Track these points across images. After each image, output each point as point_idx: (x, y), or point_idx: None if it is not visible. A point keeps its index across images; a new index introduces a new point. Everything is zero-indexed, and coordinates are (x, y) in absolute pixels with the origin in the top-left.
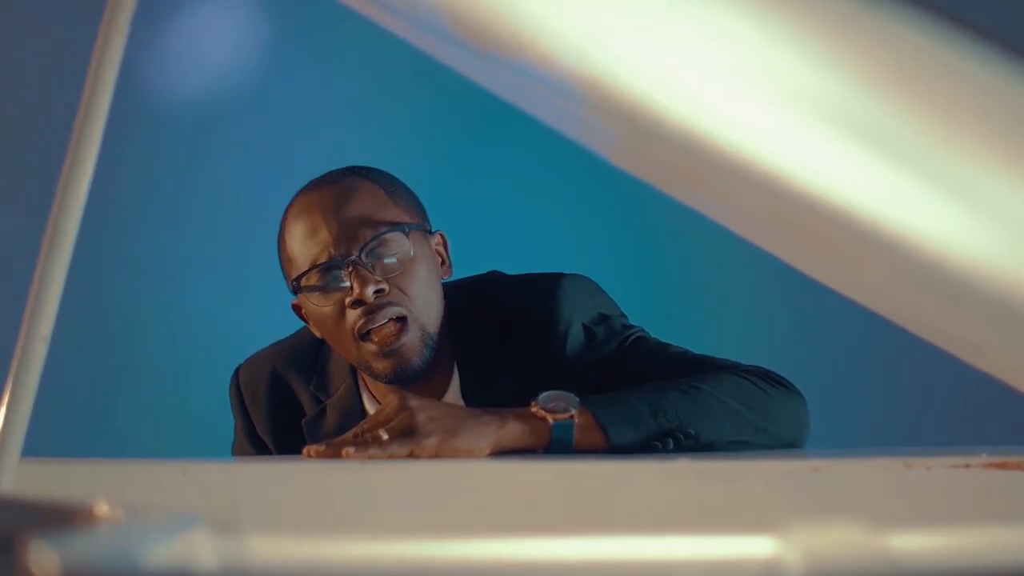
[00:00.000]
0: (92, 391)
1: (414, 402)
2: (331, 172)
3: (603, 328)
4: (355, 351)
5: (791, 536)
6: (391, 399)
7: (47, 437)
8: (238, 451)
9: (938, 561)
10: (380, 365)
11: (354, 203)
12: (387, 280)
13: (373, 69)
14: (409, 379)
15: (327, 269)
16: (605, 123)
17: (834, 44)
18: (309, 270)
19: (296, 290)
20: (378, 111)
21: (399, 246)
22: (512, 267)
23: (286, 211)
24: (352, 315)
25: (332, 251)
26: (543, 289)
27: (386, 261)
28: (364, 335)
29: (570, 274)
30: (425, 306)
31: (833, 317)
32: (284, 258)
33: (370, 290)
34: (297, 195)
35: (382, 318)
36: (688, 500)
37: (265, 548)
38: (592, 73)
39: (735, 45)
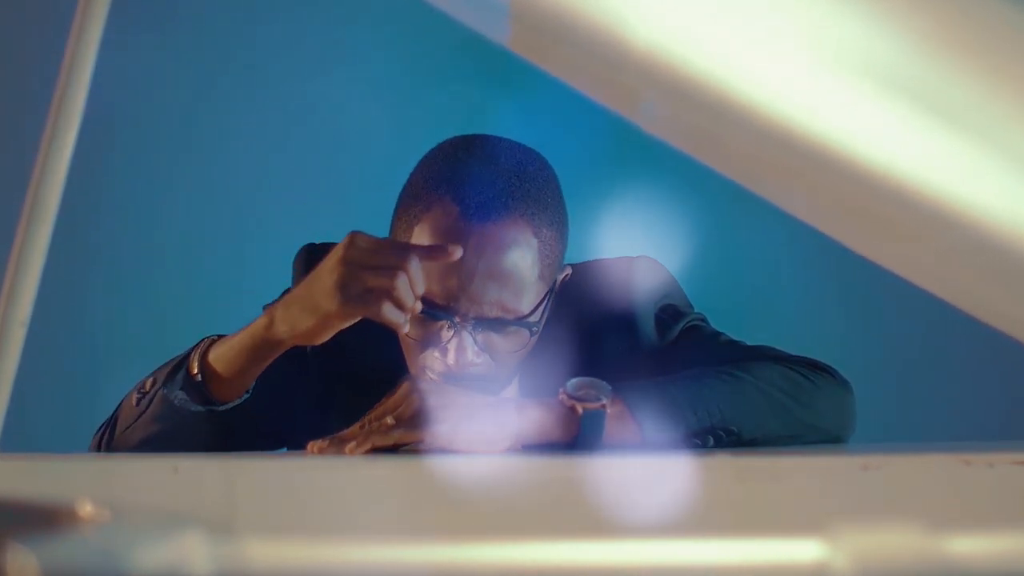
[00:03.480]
0: (75, 380)
1: (425, 385)
2: (501, 183)
3: (671, 316)
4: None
5: (839, 539)
6: (401, 384)
7: (26, 431)
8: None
9: (1000, 566)
10: (436, 364)
11: (501, 264)
12: (488, 352)
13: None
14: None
15: (433, 312)
16: (648, 92)
17: (897, 10)
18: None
19: None
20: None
21: (518, 338)
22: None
23: (429, 192)
24: (431, 359)
25: (450, 301)
26: (615, 276)
27: (496, 340)
28: None
29: (640, 258)
30: (508, 367)
31: (886, 299)
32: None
33: (463, 359)
34: (449, 189)
35: (455, 383)
36: (728, 500)
37: (263, 551)
38: (637, 39)
39: (793, 13)
